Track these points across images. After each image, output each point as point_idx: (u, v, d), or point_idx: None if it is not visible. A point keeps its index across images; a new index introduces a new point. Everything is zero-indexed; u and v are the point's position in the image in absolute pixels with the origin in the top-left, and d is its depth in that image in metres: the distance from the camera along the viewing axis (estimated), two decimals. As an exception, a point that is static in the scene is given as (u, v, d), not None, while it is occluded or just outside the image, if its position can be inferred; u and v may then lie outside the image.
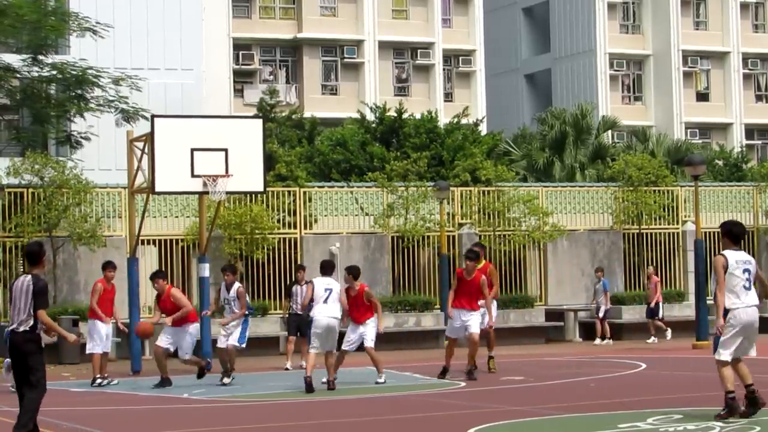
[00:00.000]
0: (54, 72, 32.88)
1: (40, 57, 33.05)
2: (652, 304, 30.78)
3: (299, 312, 24.24)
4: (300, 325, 24.19)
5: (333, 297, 19.22)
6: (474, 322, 20.48)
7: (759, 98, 62.75)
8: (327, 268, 19.77)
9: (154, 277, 21.38)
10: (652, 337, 30.56)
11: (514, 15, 66.93)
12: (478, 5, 57.74)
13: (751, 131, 62.10)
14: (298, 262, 28.97)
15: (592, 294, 31.60)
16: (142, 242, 27.69)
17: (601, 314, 30.90)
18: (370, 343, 19.96)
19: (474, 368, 20.57)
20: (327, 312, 19.14)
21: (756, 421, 13.48)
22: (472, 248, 21.91)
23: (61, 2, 38.29)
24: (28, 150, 31.39)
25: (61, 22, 33.76)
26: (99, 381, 21.38)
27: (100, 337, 21.56)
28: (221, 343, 21.24)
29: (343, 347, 20.02)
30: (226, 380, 20.90)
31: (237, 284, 21.23)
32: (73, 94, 33.11)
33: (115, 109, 32.98)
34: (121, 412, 17.51)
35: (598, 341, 30.64)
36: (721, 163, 50.95)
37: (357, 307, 20.03)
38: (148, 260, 29.28)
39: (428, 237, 32.00)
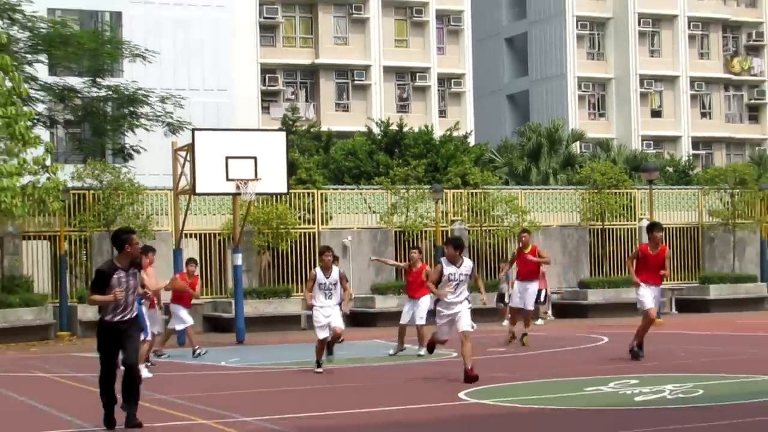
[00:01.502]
0: (110, 92, 33.03)
1: (98, 79, 33.21)
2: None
3: None
4: None
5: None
6: (658, 299, 18.02)
7: (704, 115, 62.79)
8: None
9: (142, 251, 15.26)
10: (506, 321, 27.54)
11: (497, 44, 66.97)
12: (468, 35, 57.79)
13: (696, 143, 62.12)
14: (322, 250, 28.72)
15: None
16: (186, 236, 27.83)
17: (507, 300, 29.38)
18: (419, 320, 19.57)
19: (639, 347, 17.68)
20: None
21: (701, 385, 13.57)
22: (653, 223, 18.03)
23: (115, 33, 38.45)
24: (89, 158, 31.54)
25: (116, 50, 33.94)
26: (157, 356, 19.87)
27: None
28: (323, 333, 16.95)
29: (401, 321, 19.82)
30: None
31: (337, 268, 17.04)
32: (126, 111, 33.27)
33: (162, 123, 33.12)
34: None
35: (505, 323, 27.34)
36: (671, 169, 50.99)
37: (415, 283, 19.62)
38: (191, 251, 29.38)
39: (426, 231, 32.11)
